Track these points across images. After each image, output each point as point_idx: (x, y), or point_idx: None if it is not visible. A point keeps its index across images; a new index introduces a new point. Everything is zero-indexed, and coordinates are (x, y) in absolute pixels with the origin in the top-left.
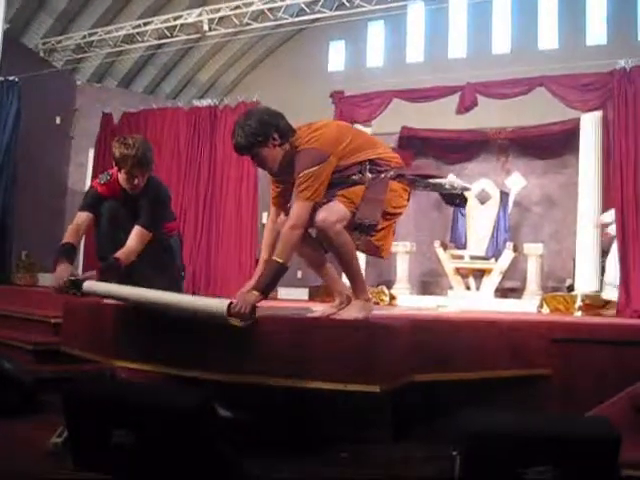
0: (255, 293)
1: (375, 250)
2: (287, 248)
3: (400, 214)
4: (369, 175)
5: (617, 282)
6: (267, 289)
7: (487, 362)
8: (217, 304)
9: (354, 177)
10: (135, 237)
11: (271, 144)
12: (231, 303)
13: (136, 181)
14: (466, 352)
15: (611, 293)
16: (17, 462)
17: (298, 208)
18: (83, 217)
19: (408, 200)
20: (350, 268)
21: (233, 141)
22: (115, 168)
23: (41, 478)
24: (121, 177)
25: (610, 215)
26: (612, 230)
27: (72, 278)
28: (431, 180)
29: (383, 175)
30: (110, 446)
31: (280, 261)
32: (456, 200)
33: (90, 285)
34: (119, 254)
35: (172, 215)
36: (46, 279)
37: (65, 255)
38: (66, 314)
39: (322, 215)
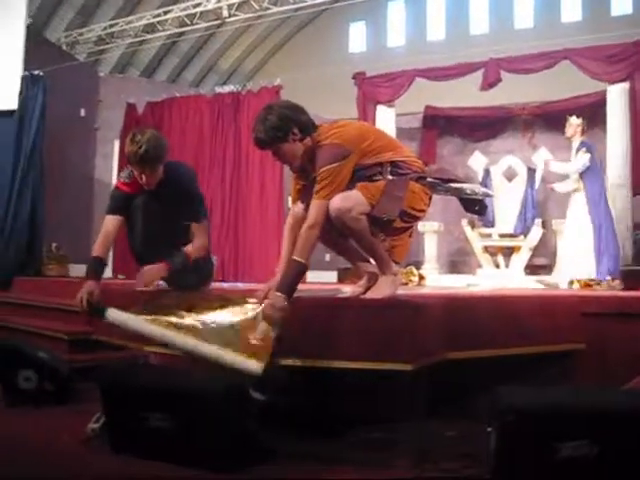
0: (280, 296)
1: (388, 251)
2: (306, 248)
3: (419, 219)
4: (389, 177)
5: None
6: (290, 290)
7: (520, 338)
8: (242, 362)
9: (374, 177)
10: (198, 233)
11: (291, 139)
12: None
13: (144, 178)
14: (498, 329)
15: None
16: (56, 448)
17: (316, 207)
18: (112, 221)
19: (428, 205)
20: (372, 249)
21: (253, 136)
22: None
23: (80, 463)
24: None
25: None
26: None
27: (93, 302)
28: (453, 184)
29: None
30: (146, 430)
31: (300, 261)
32: (476, 206)
33: (114, 314)
34: (189, 250)
35: None
36: (76, 270)
37: (93, 271)
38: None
39: (337, 203)
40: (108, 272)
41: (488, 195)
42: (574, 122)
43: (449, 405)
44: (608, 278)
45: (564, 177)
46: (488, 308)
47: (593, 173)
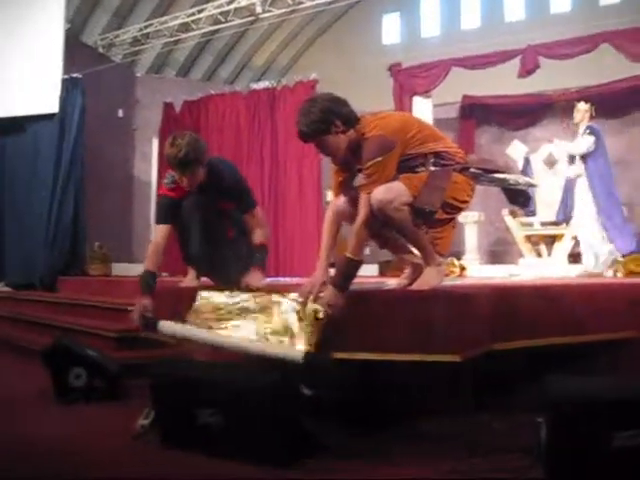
0: (335, 291)
1: (432, 244)
2: (359, 244)
3: (461, 210)
4: (432, 169)
5: None
6: (344, 285)
7: (567, 327)
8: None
9: (417, 169)
10: (256, 222)
11: (334, 131)
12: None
13: (185, 181)
14: (545, 318)
15: None
16: (107, 444)
17: (368, 202)
18: (163, 231)
19: (471, 196)
20: (416, 240)
21: (297, 129)
22: None
23: (130, 459)
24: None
25: None
26: None
27: (146, 316)
28: (496, 175)
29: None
30: (196, 425)
31: (353, 257)
32: (520, 198)
33: (166, 326)
34: (261, 240)
35: None
36: (119, 269)
37: (146, 286)
38: None
39: (379, 195)
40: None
41: (532, 185)
42: (582, 108)
43: (496, 396)
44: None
45: (572, 161)
46: (535, 298)
47: (597, 157)
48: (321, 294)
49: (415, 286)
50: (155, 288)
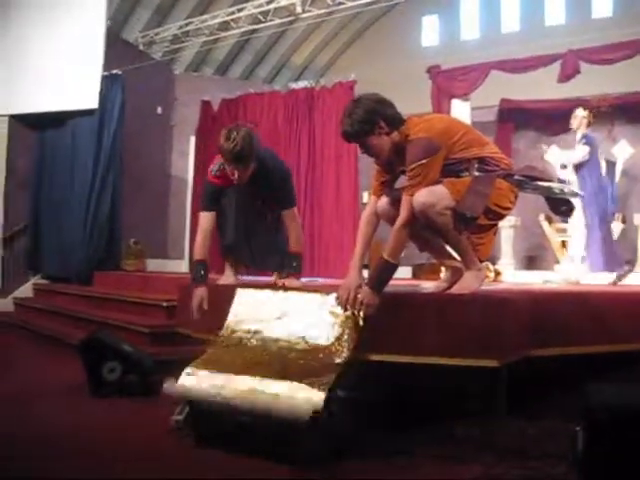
0: (371, 292)
1: (473, 249)
2: (398, 247)
3: (503, 216)
4: (476, 174)
5: None
6: (380, 287)
7: (605, 336)
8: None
9: (461, 173)
10: (290, 224)
11: (378, 132)
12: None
13: (236, 174)
14: (583, 325)
15: None
16: (142, 439)
17: (409, 205)
18: (209, 218)
19: (514, 203)
20: (457, 244)
21: (341, 129)
22: None
23: (165, 453)
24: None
25: None
26: None
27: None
28: (540, 183)
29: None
30: (231, 423)
31: (391, 261)
32: (563, 207)
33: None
34: (297, 248)
35: None
36: (154, 265)
37: (199, 276)
38: (182, 296)
39: (421, 198)
40: (184, 267)
41: (576, 195)
42: (579, 114)
43: (531, 402)
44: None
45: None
46: (573, 304)
47: (590, 168)
48: (359, 295)
49: (454, 290)
50: (207, 277)
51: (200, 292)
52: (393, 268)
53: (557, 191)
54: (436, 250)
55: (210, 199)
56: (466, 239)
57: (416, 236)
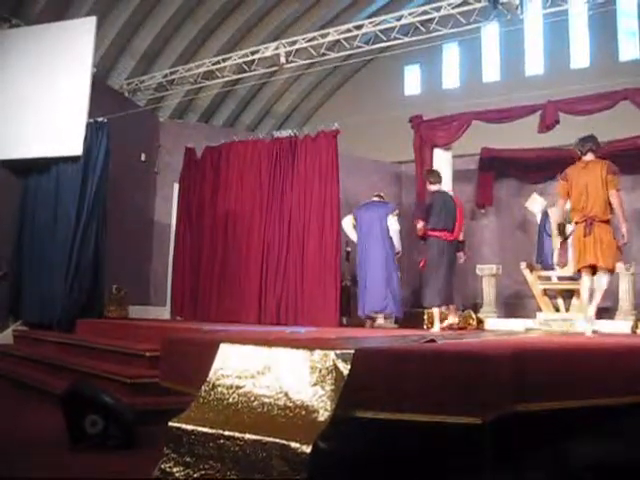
0: None
1: None
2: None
3: None
4: None
5: None
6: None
7: (591, 389)
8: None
9: None
10: None
11: None
12: None
13: None
14: (570, 379)
15: None
16: None
17: (618, 197)
18: None
19: None
20: None
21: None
22: None
23: None
24: None
25: None
26: None
27: None
28: None
29: None
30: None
31: None
32: None
33: None
34: None
35: None
36: (136, 311)
37: None
38: (165, 348)
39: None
40: (166, 314)
41: None
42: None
43: (519, 457)
44: None
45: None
46: (558, 357)
47: None
48: None
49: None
50: None
51: None
52: None
53: None
54: None
55: None
56: None
57: None
